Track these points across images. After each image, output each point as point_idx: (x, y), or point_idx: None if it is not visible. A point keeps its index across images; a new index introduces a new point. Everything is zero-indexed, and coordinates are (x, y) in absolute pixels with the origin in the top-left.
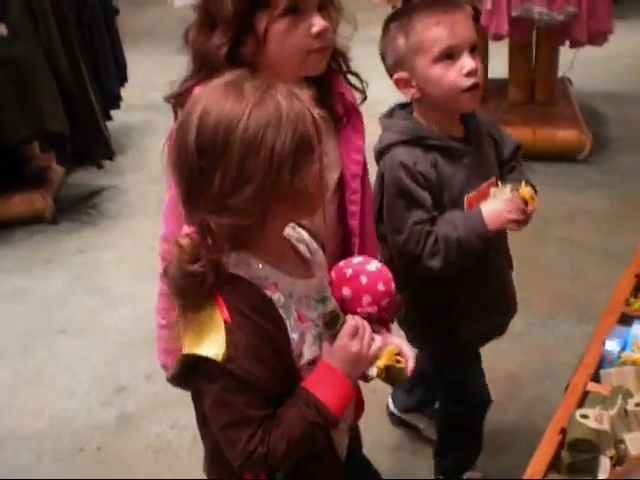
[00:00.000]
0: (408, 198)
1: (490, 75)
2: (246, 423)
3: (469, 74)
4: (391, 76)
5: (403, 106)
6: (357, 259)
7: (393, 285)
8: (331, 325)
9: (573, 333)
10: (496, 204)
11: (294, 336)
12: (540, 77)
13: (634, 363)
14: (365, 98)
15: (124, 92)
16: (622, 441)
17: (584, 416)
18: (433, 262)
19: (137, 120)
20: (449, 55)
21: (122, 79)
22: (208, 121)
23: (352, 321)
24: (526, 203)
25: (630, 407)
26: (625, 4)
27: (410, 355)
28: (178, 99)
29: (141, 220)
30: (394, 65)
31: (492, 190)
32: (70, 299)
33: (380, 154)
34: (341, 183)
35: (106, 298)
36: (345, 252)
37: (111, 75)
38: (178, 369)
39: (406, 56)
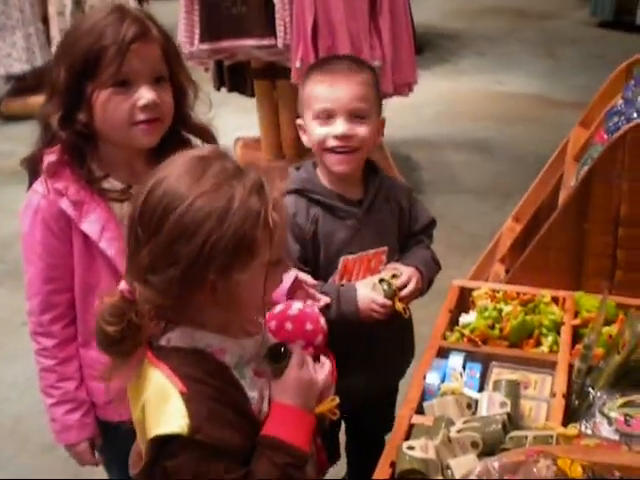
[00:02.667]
0: None
1: None
2: None
3: (337, 138)
4: None
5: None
6: (278, 307)
7: (322, 320)
8: (279, 358)
9: None
10: (369, 301)
11: (253, 394)
12: None
13: (453, 392)
14: None
15: None
16: (448, 467)
17: (410, 447)
18: None
19: None
20: (328, 115)
21: None
22: (157, 192)
23: (297, 350)
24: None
25: (453, 434)
26: (428, 54)
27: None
28: (29, 164)
29: None
30: (299, 111)
31: (376, 280)
32: None
33: None
34: None
35: None
36: None
37: None
38: (148, 458)
39: (300, 106)
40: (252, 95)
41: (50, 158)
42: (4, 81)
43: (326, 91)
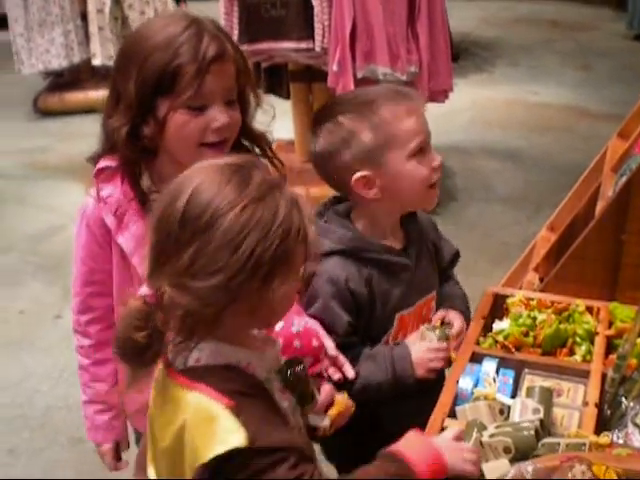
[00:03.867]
0: (322, 321)
1: None
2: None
3: (436, 169)
4: (334, 177)
5: (337, 200)
6: (279, 325)
7: (322, 332)
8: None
9: None
10: (423, 351)
11: (284, 405)
12: None
13: (486, 398)
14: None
15: None
16: (480, 471)
17: None
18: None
19: None
20: (422, 149)
21: None
22: (201, 196)
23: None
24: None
25: (485, 439)
26: (464, 62)
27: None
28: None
29: None
30: (353, 163)
31: (422, 328)
32: None
33: None
34: None
35: None
36: None
37: None
38: None
39: (374, 152)
40: (287, 97)
41: (103, 164)
42: (42, 77)
43: (419, 123)
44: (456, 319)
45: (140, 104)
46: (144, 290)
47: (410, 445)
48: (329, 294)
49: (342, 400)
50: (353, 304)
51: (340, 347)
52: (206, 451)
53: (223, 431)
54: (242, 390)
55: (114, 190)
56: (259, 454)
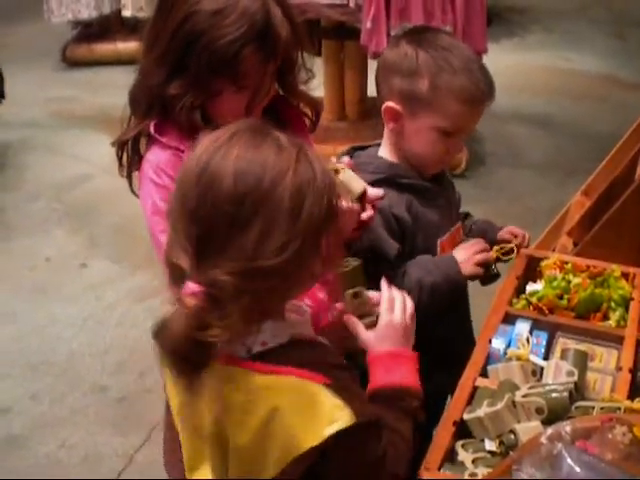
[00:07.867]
0: (374, 249)
1: (369, 93)
2: None
3: (453, 154)
4: (379, 86)
5: (360, 148)
6: None
7: None
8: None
9: None
10: (464, 249)
11: None
12: None
13: (519, 358)
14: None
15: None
16: (512, 431)
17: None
18: None
19: (14, 137)
20: (450, 134)
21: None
22: (249, 168)
23: (384, 294)
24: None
25: (517, 398)
26: (497, 27)
27: None
28: (125, 142)
29: (19, 239)
30: (396, 92)
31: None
32: None
33: None
34: None
35: None
36: None
37: None
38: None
39: (416, 100)
40: (318, 54)
41: (152, 123)
42: (70, 26)
43: (468, 117)
44: (518, 230)
45: (201, 80)
46: (191, 287)
47: (391, 370)
48: (377, 224)
49: None
50: (398, 230)
51: (390, 272)
52: (309, 437)
53: (329, 411)
54: (332, 363)
55: (176, 140)
56: (360, 430)
